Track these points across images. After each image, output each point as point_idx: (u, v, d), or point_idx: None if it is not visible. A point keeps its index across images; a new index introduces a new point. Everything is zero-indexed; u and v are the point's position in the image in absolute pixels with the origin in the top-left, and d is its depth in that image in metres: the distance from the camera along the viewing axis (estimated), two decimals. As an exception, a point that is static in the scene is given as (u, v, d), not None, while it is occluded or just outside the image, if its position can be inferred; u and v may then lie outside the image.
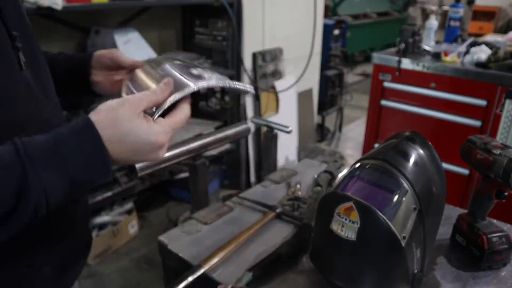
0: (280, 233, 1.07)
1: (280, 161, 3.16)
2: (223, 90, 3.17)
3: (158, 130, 0.60)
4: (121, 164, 0.62)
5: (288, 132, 1.36)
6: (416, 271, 0.82)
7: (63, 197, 0.55)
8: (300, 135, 3.52)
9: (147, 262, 2.45)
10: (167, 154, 1.09)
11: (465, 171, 2.27)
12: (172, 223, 2.81)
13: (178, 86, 0.64)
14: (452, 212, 1.16)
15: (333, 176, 1.32)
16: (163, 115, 0.63)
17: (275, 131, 1.39)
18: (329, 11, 5.22)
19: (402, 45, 2.33)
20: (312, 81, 3.73)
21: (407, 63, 2.33)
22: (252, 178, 3.13)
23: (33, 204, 0.52)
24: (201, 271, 0.90)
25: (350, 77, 6.54)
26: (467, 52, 2.28)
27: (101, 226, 2.52)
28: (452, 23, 2.51)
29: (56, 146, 0.54)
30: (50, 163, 0.53)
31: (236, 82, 0.73)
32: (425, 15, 10.66)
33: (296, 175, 1.40)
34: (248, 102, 2.96)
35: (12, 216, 0.51)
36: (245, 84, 0.75)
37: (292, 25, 3.24)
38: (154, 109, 0.62)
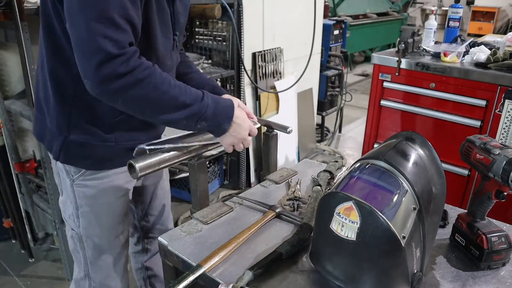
0: (280, 233, 1.07)
1: (280, 161, 3.16)
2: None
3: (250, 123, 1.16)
4: (232, 128, 1.10)
5: (288, 133, 1.36)
6: (415, 270, 0.82)
7: (208, 117, 1.04)
8: (300, 135, 3.52)
9: (147, 262, 2.45)
10: (167, 154, 1.09)
11: (464, 171, 2.27)
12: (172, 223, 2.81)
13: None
14: (451, 212, 1.16)
15: (332, 176, 1.32)
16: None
17: (275, 131, 1.40)
18: (329, 11, 5.22)
19: (402, 45, 2.33)
20: (312, 81, 3.74)
21: (407, 63, 2.34)
22: (252, 178, 3.13)
23: (198, 108, 1.02)
24: (201, 271, 0.90)
25: (350, 77, 6.54)
26: (466, 53, 2.28)
27: (101, 226, 2.52)
28: (452, 24, 2.51)
29: (217, 100, 1.08)
30: (214, 101, 1.06)
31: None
32: (425, 15, 10.69)
33: (296, 175, 1.40)
34: (248, 102, 2.96)
35: (185, 109, 1.00)
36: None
37: (292, 25, 3.24)
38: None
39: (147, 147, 1.05)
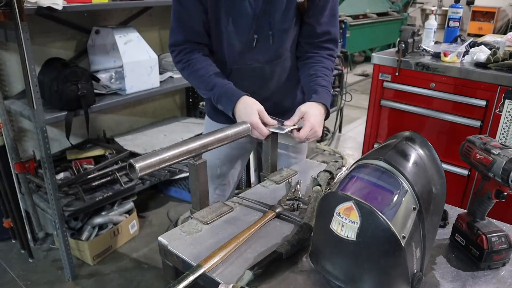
0: (280, 233, 1.07)
1: (280, 161, 3.15)
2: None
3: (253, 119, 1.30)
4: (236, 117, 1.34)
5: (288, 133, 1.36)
6: (415, 270, 0.82)
7: (218, 103, 1.40)
8: (300, 135, 3.51)
9: (147, 262, 2.46)
10: (167, 154, 1.09)
11: (464, 171, 2.27)
12: (172, 223, 2.81)
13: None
14: (451, 212, 1.16)
15: (332, 176, 1.32)
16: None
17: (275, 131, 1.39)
18: (329, 11, 5.21)
19: (402, 45, 2.33)
20: (312, 81, 3.73)
21: (407, 63, 2.34)
22: (252, 178, 3.13)
23: (210, 96, 1.40)
24: (201, 271, 0.90)
25: (350, 77, 6.54)
26: (466, 53, 2.28)
27: (101, 226, 2.52)
28: (452, 24, 2.51)
29: (225, 94, 1.36)
30: (220, 95, 1.37)
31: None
32: (425, 15, 10.68)
33: (296, 175, 1.40)
34: (248, 102, 2.96)
35: (205, 94, 1.43)
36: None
37: (292, 25, 3.23)
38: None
39: None
